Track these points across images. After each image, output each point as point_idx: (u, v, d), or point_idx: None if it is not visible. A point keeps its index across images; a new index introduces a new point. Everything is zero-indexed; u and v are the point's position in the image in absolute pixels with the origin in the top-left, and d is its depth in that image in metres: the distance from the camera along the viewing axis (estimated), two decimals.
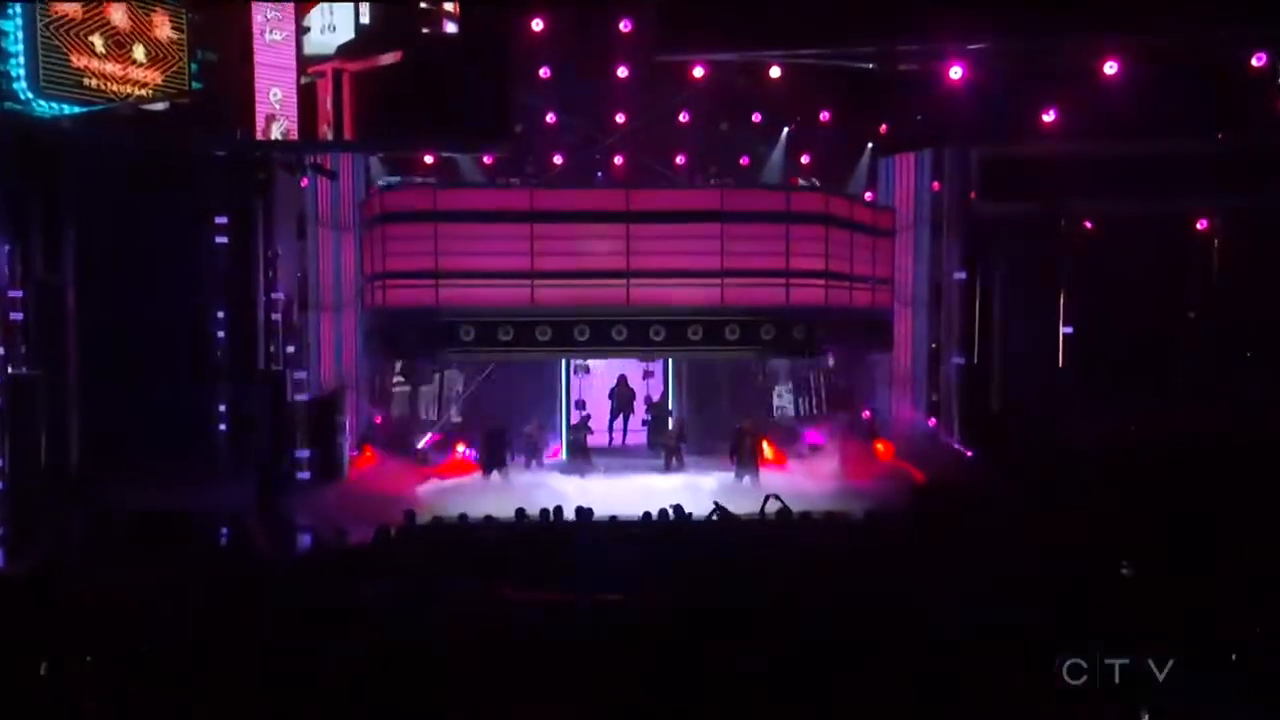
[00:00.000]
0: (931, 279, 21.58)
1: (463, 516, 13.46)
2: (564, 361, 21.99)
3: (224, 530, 13.84)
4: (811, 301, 19.95)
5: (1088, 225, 19.46)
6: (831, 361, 22.54)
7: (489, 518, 13.26)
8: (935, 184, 21.18)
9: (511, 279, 19.48)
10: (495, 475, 19.39)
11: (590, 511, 13.29)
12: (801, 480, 18.16)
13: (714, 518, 12.96)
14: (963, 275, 20.82)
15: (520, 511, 13.17)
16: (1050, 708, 6.49)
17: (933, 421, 21.45)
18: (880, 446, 20.93)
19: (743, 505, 13.39)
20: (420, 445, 21.24)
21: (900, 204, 21.97)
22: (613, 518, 13.43)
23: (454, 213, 19.68)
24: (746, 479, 18.79)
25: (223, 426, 17.88)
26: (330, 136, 16.74)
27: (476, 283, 19.52)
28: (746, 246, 19.62)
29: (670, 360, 22.29)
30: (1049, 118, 18.07)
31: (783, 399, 23.35)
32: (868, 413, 22.26)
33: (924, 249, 21.74)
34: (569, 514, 13.29)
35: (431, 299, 19.51)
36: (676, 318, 19.65)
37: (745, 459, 19.31)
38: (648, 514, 13.11)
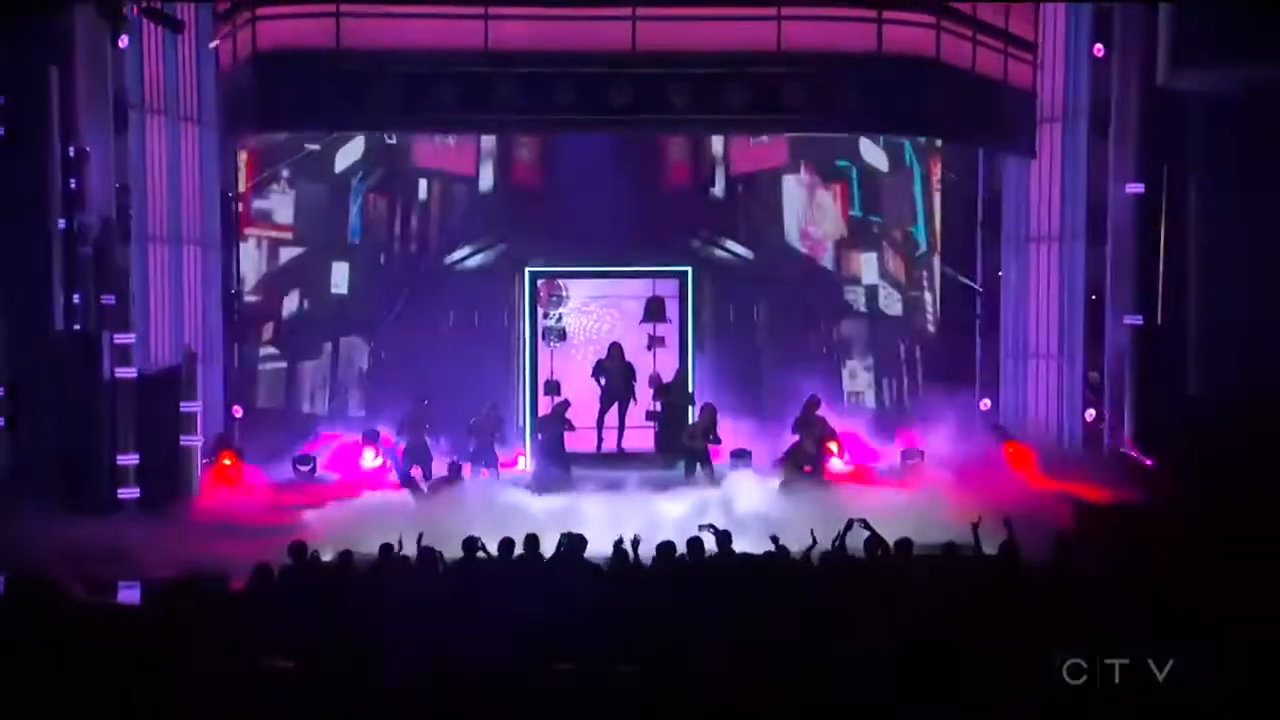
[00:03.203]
0: (1089, 197, 21.33)
1: (386, 549, 13.30)
2: (527, 321, 21.99)
3: None
4: (916, 50, 19.46)
5: None
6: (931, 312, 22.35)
7: (428, 550, 13.13)
8: (1098, 48, 20.93)
9: (454, 5, 19.01)
10: (423, 488, 19.57)
11: (583, 541, 13.42)
12: (895, 500, 18.18)
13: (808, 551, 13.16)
14: (1140, 189, 20.58)
15: (472, 542, 13.26)
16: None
17: (1091, 414, 21.34)
18: (1010, 450, 20.96)
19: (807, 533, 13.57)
20: (305, 449, 21.39)
21: (1041, 84, 21.67)
22: (622, 549, 13.29)
23: None
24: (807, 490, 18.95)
25: None
26: None
27: (400, 10, 19.01)
28: None
29: (690, 322, 22.24)
30: None
31: (857, 380, 23.51)
32: (987, 401, 22.32)
33: (1078, 151, 21.46)
34: (547, 545, 13.54)
35: (328, 37, 18.97)
36: (709, 70, 19.19)
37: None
38: (669, 545, 13.12)
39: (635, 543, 13.18)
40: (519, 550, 13.16)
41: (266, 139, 21.80)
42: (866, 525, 13.27)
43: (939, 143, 22.08)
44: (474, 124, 19.73)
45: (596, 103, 19.17)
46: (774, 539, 13.32)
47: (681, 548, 13.13)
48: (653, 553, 13.08)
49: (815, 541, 13.17)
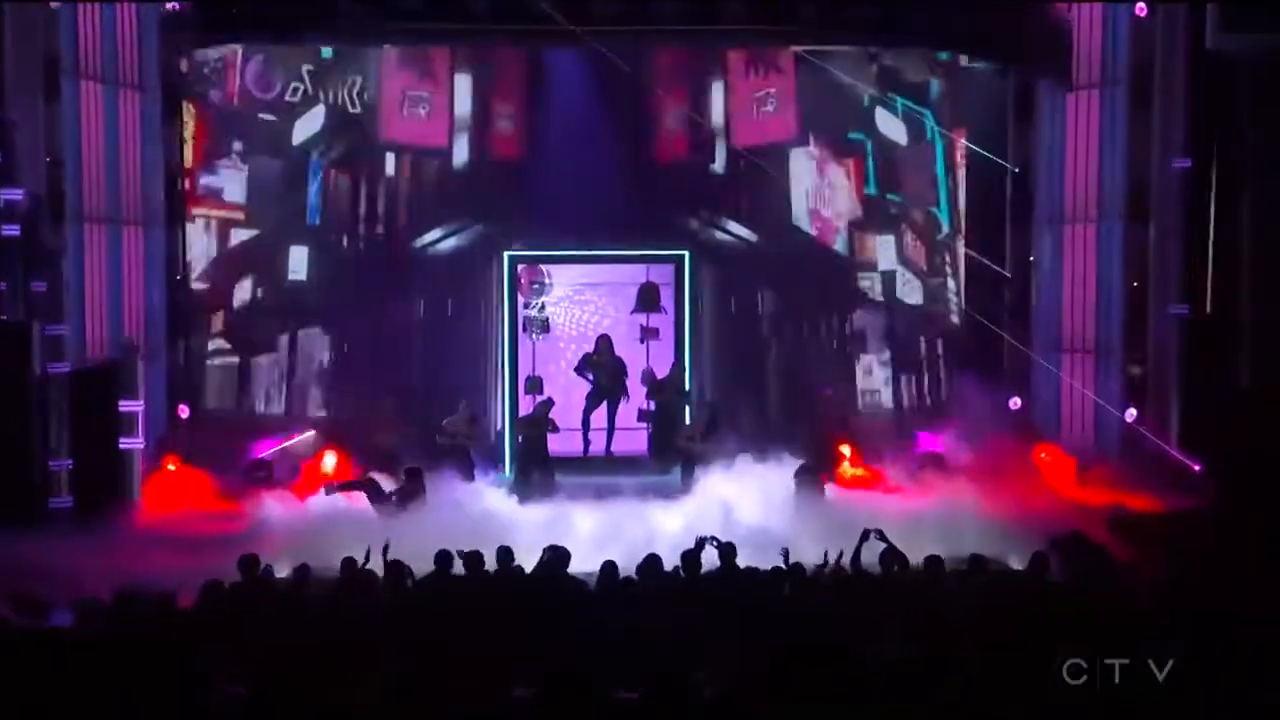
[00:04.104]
0: (1130, 174, 21.36)
1: (348, 563, 13.35)
2: (507, 312, 22.15)
3: None
4: None
5: None
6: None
7: (396, 564, 13.12)
8: (1140, 7, 20.86)
9: None
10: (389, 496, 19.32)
11: (567, 555, 13.44)
12: (914, 509, 18.24)
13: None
14: (1186, 164, 20.53)
15: (444, 556, 13.36)
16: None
17: (1133, 413, 21.36)
18: (1043, 454, 21.12)
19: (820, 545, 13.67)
20: (258, 453, 21.51)
21: (1080, 48, 21.70)
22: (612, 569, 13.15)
23: None
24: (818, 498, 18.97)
25: None
26: None
27: None
28: None
29: (687, 312, 22.35)
30: None
31: (873, 376, 23.62)
32: (1017, 399, 22.41)
33: (1117, 122, 21.49)
34: (524, 560, 13.61)
35: None
36: None
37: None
38: (653, 559, 13.17)
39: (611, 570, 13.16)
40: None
41: (212, 60, 21.84)
42: (883, 537, 13.26)
43: (964, 60, 22.04)
44: (442, 35, 19.74)
45: (580, 11, 19.23)
46: (784, 553, 13.28)
47: (677, 561, 13.11)
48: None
49: (858, 554, 13.15)
